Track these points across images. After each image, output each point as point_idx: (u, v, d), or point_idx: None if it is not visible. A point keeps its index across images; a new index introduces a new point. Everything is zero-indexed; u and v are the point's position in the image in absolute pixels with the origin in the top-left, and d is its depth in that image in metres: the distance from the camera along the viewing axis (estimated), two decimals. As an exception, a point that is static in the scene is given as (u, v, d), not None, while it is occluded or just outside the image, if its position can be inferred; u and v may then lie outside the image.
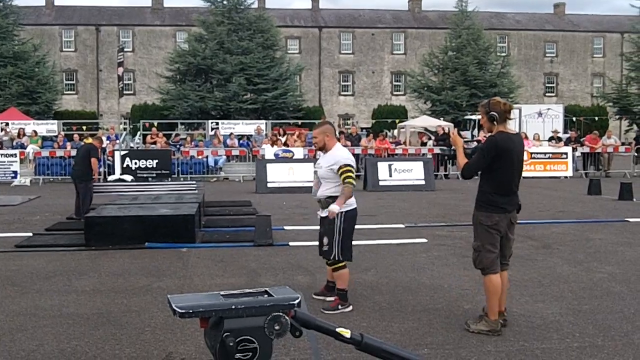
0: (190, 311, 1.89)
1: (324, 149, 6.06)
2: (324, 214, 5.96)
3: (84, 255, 8.69)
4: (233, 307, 1.88)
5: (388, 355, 2.28)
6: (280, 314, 1.90)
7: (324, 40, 51.18)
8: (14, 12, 38.26)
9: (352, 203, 5.92)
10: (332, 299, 6.07)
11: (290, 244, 9.34)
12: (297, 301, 1.94)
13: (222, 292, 1.97)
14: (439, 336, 5.17)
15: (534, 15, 56.37)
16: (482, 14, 48.87)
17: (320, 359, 4.64)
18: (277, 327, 1.89)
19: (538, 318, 5.61)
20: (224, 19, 37.68)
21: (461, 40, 42.04)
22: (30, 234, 10.32)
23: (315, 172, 6.06)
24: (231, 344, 1.85)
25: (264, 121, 29.99)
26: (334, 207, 5.70)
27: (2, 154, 21.33)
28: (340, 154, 5.97)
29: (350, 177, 5.79)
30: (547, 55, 54.00)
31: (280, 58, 39.70)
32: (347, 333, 2.17)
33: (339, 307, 5.89)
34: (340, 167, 5.82)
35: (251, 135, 26.84)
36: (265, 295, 1.97)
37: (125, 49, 46.20)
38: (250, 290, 2.00)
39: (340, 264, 5.93)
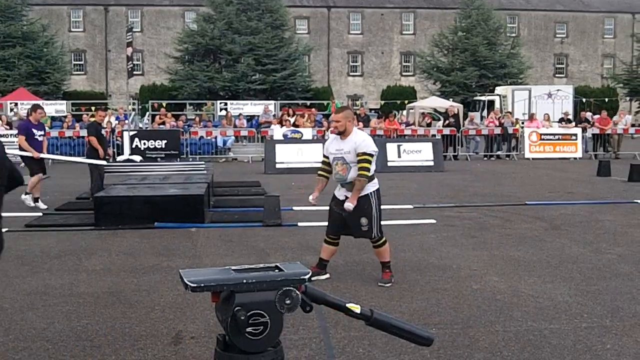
0: (202, 285, 1.90)
1: (344, 133, 6.06)
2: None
3: (94, 234, 8.74)
4: (244, 281, 1.89)
5: (398, 330, 2.29)
6: (291, 288, 1.90)
7: (332, 21, 50.85)
8: (22, -8, 38.18)
9: (376, 183, 6.14)
10: (319, 278, 6.23)
11: (299, 224, 9.36)
12: (307, 276, 1.96)
13: (233, 267, 1.98)
14: (447, 316, 5.18)
15: (544, -5, 55.76)
16: (492, -7, 48.48)
17: (329, 337, 4.67)
18: (288, 302, 1.90)
19: (546, 299, 5.61)
20: (232, -1, 37.51)
21: (471, 21, 41.70)
22: (40, 214, 10.38)
23: (342, 158, 6.04)
24: (242, 317, 1.86)
25: (272, 102, 29.93)
26: (349, 205, 5.92)
27: (11, 134, 21.39)
28: (363, 139, 6.06)
29: (366, 167, 5.90)
30: (557, 35, 53.47)
31: (289, 38, 39.54)
32: (357, 308, 2.19)
33: (392, 278, 6.15)
34: (360, 154, 5.91)
35: (259, 116, 26.83)
36: (276, 270, 1.98)
37: (134, 29, 46.28)
38: (262, 266, 2.01)
39: (382, 240, 6.15)
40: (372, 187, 6.06)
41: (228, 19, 36.87)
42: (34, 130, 11.11)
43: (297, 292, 1.93)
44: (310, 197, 6.57)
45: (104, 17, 48.24)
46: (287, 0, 45.04)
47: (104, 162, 12.01)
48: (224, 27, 36.71)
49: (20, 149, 11.22)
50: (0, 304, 5.48)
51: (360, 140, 6.01)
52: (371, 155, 5.97)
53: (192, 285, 1.87)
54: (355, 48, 51.22)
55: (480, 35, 40.91)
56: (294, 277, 1.96)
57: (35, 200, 11.09)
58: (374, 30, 51.12)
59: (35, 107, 11.61)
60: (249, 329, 1.89)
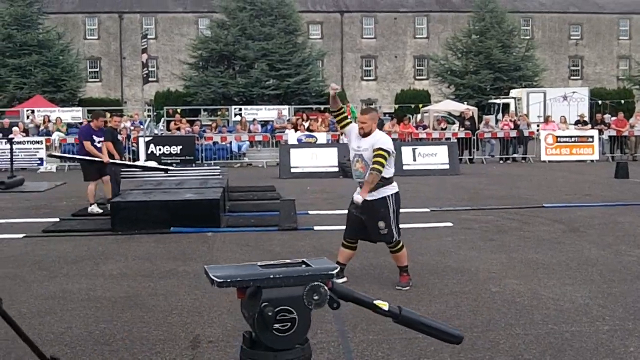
0: (229, 280, 1.87)
1: (369, 134, 6.07)
2: (369, 197, 5.98)
3: (110, 239, 8.76)
4: (271, 276, 1.86)
5: (426, 328, 2.26)
6: (319, 283, 1.87)
7: (345, 25, 50.87)
8: (38, 1, 38.49)
9: (395, 186, 6.10)
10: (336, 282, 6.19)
11: (315, 228, 9.32)
12: (335, 271, 1.93)
13: (259, 263, 1.95)
14: (467, 319, 5.13)
15: (558, -3, 55.42)
16: (506, -4, 48.29)
17: (348, 341, 4.64)
18: (315, 297, 1.87)
19: (567, 301, 5.55)
20: (245, 5, 37.61)
21: (485, 24, 41.57)
22: (57, 219, 10.42)
23: (361, 155, 6.04)
24: (270, 313, 1.83)
25: (286, 106, 29.96)
26: (358, 198, 5.89)
27: (28, 141, 21.56)
28: (381, 137, 6.08)
29: (380, 162, 5.86)
30: (572, 37, 53.12)
31: (302, 43, 39.61)
32: (385, 305, 2.16)
33: (410, 282, 6.13)
34: (375, 149, 5.89)
35: (272, 121, 26.85)
36: (303, 266, 1.95)
37: (148, 36, 46.51)
38: (288, 261, 1.99)
39: (399, 244, 6.12)
40: (390, 190, 6.03)
41: (241, 25, 36.99)
42: (94, 137, 11.31)
43: (325, 287, 1.90)
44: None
45: (118, 24, 48.56)
46: (300, 5, 45.17)
47: (169, 167, 12.09)
48: (237, 33, 36.84)
49: (80, 153, 11.47)
50: (19, 309, 5.49)
51: (378, 137, 6.02)
52: (387, 152, 5.91)
53: (219, 280, 1.84)
54: (368, 52, 51.20)
55: (494, 38, 40.75)
56: (321, 272, 1.93)
57: (91, 204, 11.22)
58: (387, 34, 51.07)
59: (97, 115, 11.82)
60: (276, 326, 1.86)
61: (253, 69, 36.47)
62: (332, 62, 49.57)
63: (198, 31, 45.31)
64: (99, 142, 11.36)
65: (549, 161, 21.76)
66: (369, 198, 5.98)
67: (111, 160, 11.41)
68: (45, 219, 10.39)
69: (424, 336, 4.74)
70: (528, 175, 17.56)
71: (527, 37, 46.38)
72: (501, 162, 22.41)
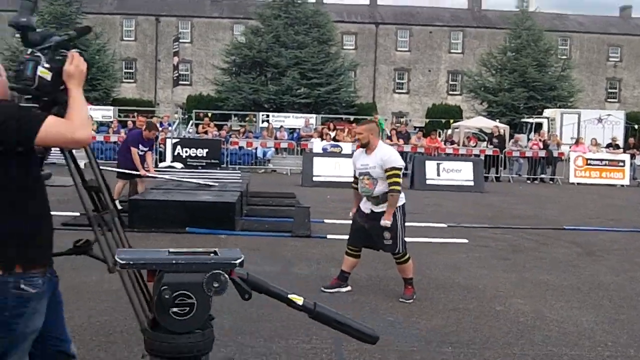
0: (131, 263, 1.98)
1: (367, 146, 6.07)
2: (378, 209, 5.99)
3: (127, 236, 8.80)
4: (174, 262, 1.93)
5: (339, 325, 2.34)
6: (220, 272, 1.91)
7: (380, 37, 50.90)
8: (77, 1, 39.26)
9: (402, 198, 6.08)
10: (340, 290, 6.28)
11: (328, 236, 9.30)
12: (238, 261, 1.97)
13: (171, 249, 2.01)
14: (466, 335, 5.07)
15: (598, 17, 54.74)
16: (544, 14, 47.84)
17: (342, 350, 4.62)
18: (216, 285, 1.93)
19: (571, 324, 5.45)
20: (280, 13, 37.89)
21: (521, 41, 41.23)
22: (78, 214, 10.54)
23: (367, 173, 6.03)
24: (167, 296, 1.90)
25: (313, 115, 30.04)
26: (387, 223, 5.88)
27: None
28: (390, 154, 6.06)
29: (397, 182, 5.89)
30: (610, 59, 52.40)
31: (336, 53, 39.73)
32: (299, 300, 2.24)
33: (414, 295, 6.09)
34: (388, 169, 5.87)
35: (299, 129, 26.95)
36: (212, 255, 1.99)
37: (182, 40, 47.06)
38: (199, 250, 2.04)
39: (406, 256, 6.09)
40: (399, 201, 6.00)
41: (275, 32, 37.24)
42: (141, 146, 11.48)
43: (226, 275, 1.94)
44: (351, 214, 6.51)
45: (155, 27, 49.23)
46: (336, 15, 45.35)
47: (213, 185, 12.24)
48: (271, 40, 37.08)
49: (123, 154, 11.70)
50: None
51: (387, 155, 5.99)
52: (400, 169, 5.96)
53: (121, 262, 1.91)
54: (402, 65, 51.13)
55: (530, 56, 40.38)
56: (224, 261, 1.98)
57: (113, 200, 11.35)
58: (421, 47, 50.96)
59: (152, 127, 11.95)
60: (174, 309, 1.91)
61: (285, 76, 36.65)
62: (364, 73, 49.62)
63: (233, 37, 45.71)
64: (141, 151, 11.55)
65: (578, 183, 21.46)
66: (377, 210, 5.98)
67: (149, 175, 11.58)
68: (67, 213, 10.51)
69: (419, 349, 4.72)
70: (554, 197, 17.34)
71: (564, 57, 45.86)
72: (528, 182, 22.15)
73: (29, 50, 2.65)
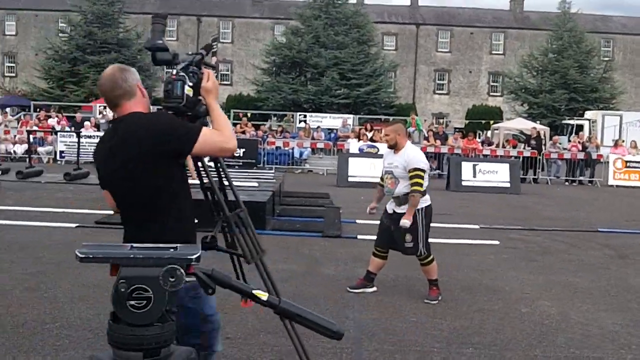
0: (91, 257, 2.05)
1: (395, 146, 6.11)
2: (400, 209, 6.03)
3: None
4: (131, 256, 2.01)
5: (303, 320, 2.41)
6: (176, 266, 1.98)
7: (421, 38, 50.64)
8: (119, 0, 39.96)
9: (427, 199, 6.07)
10: (366, 290, 6.31)
11: (359, 237, 9.34)
12: (194, 256, 2.04)
13: (134, 244, 2.10)
14: (488, 337, 5.07)
15: (643, 19, 53.59)
16: (586, 16, 47.01)
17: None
18: (172, 279, 2.00)
19: (596, 327, 5.40)
20: (321, 13, 38.05)
21: (562, 43, 40.66)
22: (112, 212, 10.76)
23: (391, 172, 6.08)
24: (123, 290, 1.98)
25: (351, 115, 30.05)
26: (405, 222, 5.89)
27: (97, 136, 22.36)
28: (414, 155, 6.09)
29: (418, 183, 5.90)
30: (655, 61, 51.20)
31: (375, 54, 39.71)
32: (264, 296, 2.33)
33: (439, 296, 6.10)
34: (411, 170, 5.90)
35: (337, 129, 26.99)
36: (171, 250, 2.07)
37: (223, 40, 47.53)
38: (161, 245, 2.12)
39: (429, 258, 6.11)
40: (422, 203, 6.01)
41: (315, 33, 37.40)
42: None
43: (182, 270, 2.01)
44: (368, 209, 6.59)
45: (196, 27, 49.83)
46: (376, 16, 45.32)
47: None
48: (311, 41, 37.25)
49: None
50: (55, 294, 5.76)
51: (412, 156, 6.02)
52: (423, 171, 5.96)
53: (81, 256, 2.00)
54: (442, 66, 50.79)
55: (572, 58, 39.78)
56: (180, 256, 2.05)
57: None
58: (462, 48, 50.54)
59: None
60: (131, 302, 1.99)
61: (324, 77, 36.77)
62: (404, 74, 49.42)
63: (273, 37, 45.99)
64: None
65: (617, 186, 21.08)
66: (399, 211, 6.02)
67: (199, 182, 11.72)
68: (101, 211, 10.74)
69: (439, 350, 4.74)
70: (592, 199, 17.07)
71: (607, 59, 45.02)
72: (567, 184, 21.82)
73: (174, 71, 2.99)
